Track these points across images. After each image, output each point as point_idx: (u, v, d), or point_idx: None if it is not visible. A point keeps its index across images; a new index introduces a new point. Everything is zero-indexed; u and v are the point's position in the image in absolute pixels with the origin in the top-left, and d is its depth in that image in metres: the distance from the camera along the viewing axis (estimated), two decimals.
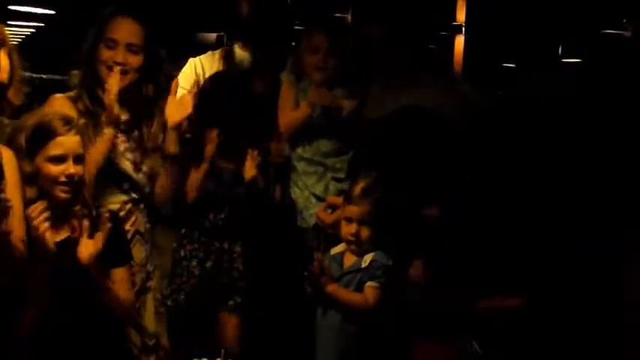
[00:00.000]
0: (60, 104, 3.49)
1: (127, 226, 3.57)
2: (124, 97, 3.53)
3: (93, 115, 3.50)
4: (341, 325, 3.51)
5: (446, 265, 3.49)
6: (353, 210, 3.58)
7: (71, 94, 3.57)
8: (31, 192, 3.07)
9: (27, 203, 3.01)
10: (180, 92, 3.75)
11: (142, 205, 3.66)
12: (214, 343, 3.82)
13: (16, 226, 2.86)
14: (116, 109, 3.45)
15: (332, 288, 3.52)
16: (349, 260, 3.61)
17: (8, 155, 2.99)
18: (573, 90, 3.65)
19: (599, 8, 5.99)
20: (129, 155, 3.60)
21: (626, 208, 3.31)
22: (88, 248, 3.06)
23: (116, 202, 3.57)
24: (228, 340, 3.89)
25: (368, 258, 3.56)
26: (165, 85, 3.65)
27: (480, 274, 3.39)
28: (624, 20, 5.21)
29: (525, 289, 3.39)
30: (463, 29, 6.35)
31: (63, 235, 3.13)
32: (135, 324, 3.53)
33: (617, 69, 3.65)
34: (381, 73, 4.06)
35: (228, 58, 4.24)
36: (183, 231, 3.95)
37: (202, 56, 4.29)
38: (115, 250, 3.22)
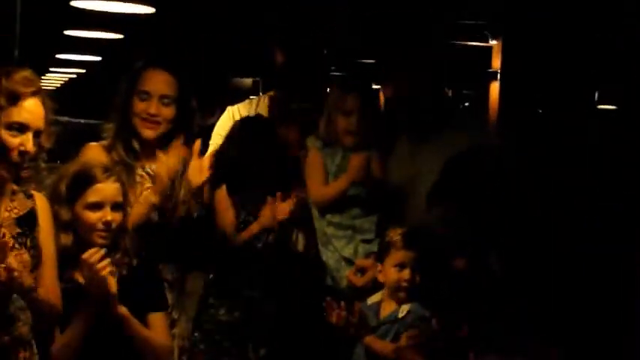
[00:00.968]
0: (95, 153, 3.54)
1: None
2: (156, 147, 3.59)
3: (126, 165, 3.55)
4: None
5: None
6: (405, 255, 3.57)
7: (105, 143, 3.62)
8: (66, 239, 3.09)
9: (62, 250, 3.04)
10: (219, 139, 3.80)
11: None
12: None
13: (47, 274, 2.87)
14: (166, 181, 3.53)
15: (369, 339, 3.51)
16: (386, 310, 3.59)
17: (42, 202, 3.01)
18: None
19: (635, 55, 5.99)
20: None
21: None
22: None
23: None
24: None
25: (405, 308, 3.54)
26: (196, 134, 3.70)
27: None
28: None
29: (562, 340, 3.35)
30: (498, 75, 6.37)
31: None
32: None
33: None
34: (405, 129, 4.03)
35: (265, 105, 4.26)
36: (211, 276, 3.95)
37: (240, 104, 4.30)
38: (152, 295, 3.23)
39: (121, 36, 7.13)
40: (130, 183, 3.47)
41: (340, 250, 4.00)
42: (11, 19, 4.57)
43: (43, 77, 13.57)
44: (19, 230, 2.84)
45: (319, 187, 4.02)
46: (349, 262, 3.98)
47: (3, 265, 2.58)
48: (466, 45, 6.54)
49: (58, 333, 3.00)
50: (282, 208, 3.80)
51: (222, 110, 4.25)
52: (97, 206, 3.12)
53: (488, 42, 6.53)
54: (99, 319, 3.02)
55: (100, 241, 3.11)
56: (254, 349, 3.95)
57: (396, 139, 4.02)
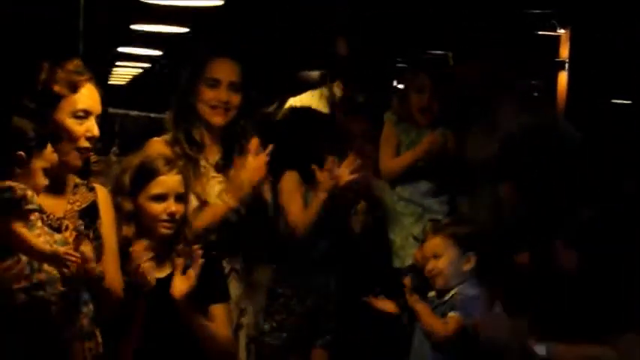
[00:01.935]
0: (158, 147, 3.57)
1: (224, 264, 3.58)
2: (222, 134, 3.59)
3: (190, 158, 3.57)
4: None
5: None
6: (437, 244, 3.57)
7: (167, 137, 3.64)
8: (129, 230, 3.14)
9: (125, 241, 3.09)
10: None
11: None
12: None
13: (109, 265, 2.90)
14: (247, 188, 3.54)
15: (420, 307, 3.53)
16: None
17: (103, 195, 3.05)
18: None
19: None
20: (224, 195, 3.63)
21: None
22: (181, 285, 3.09)
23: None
24: None
25: (453, 291, 3.55)
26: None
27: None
28: None
29: None
30: (566, 65, 6.28)
31: (165, 272, 3.18)
32: None
33: None
34: (480, 113, 4.03)
35: (324, 97, 4.27)
36: (274, 267, 3.97)
37: (302, 96, 4.32)
38: (214, 287, 3.26)
39: (186, 30, 7.17)
40: (195, 175, 3.50)
41: (409, 227, 4.04)
42: (75, 13, 4.62)
43: (111, 71, 13.73)
44: (81, 223, 2.86)
45: (389, 158, 4.10)
46: (416, 240, 3.99)
47: (78, 254, 2.61)
48: (534, 34, 6.45)
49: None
50: (342, 172, 3.75)
51: (281, 101, 4.27)
52: (161, 198, 3.17)
53: (555, 31, 6.44)
54: (158, 309, 3.06)
55: (165, 231, 3.16)
56: (321, 335, 3.97)
57: (471, 122, 4.05)
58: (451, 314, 3.51)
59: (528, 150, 3.48)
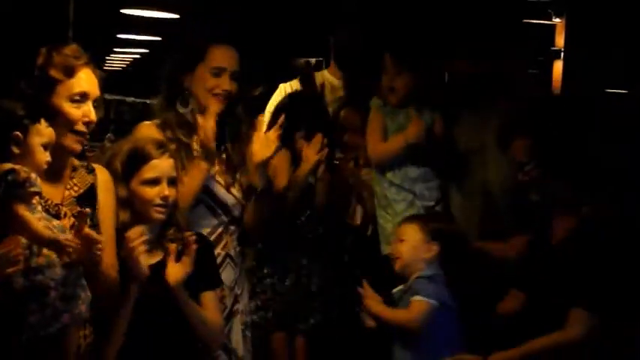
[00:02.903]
0: (149, 131, 3.55)
1: (218, 250, 3.58)
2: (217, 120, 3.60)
3: (180, 142, 3.55)
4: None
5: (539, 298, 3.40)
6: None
7: (157, 121, 3.62)
8: (124, 216, 3.12)
9: (121, 227, 3.07)
10: (267, 116, 3.80)
11: (232, 228, 3.67)
12: None
13: (107, 248, 2.88)
14: (213, 145, 3.49)
15: (377, 309, 3.62)
16: None
17: (103, 176, 3.05)
18: None
19: None
20: (219, 178, 3.63)
21: None
22: (175, 271, 3.09)
23: (207, 225, 3.59)
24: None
25: (414, 277, 3.59)
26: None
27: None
28: None
29: None
30: (562, 54, 6.28)
31: (156, 258, 3.17)
32: (224, 348, 3.55)
33: None
34: (471, 104, 4.05)
35: (307, 80, 4.30)
36: (259, 246, 3.99)
37: (293, 81, 4.35)
38: (205, 274, 3.24)
39: (177, 16, 7.17)
40: (188, 159, 3.49)
41: (400, 213, 4.04)
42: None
43: (106, 57, 13.71)
44: (79, 209, 2.86)
45: (377, 143, 4.10)
46: None
47: (77, 241, 2.60)
48: (529, 23, 6.45)
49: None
50: (309, 152, 3.91)
51: (269, 86, 4.27)
52: (154, 182, 3.15)
53: (551, 20, 6.43)
54: (149, 295, 3.06)
55: (158, 215, 3.14)
56: (304, 318, 4.00)
57: (460, 110, 4.06)
58: (412, 299, 3.56)
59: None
